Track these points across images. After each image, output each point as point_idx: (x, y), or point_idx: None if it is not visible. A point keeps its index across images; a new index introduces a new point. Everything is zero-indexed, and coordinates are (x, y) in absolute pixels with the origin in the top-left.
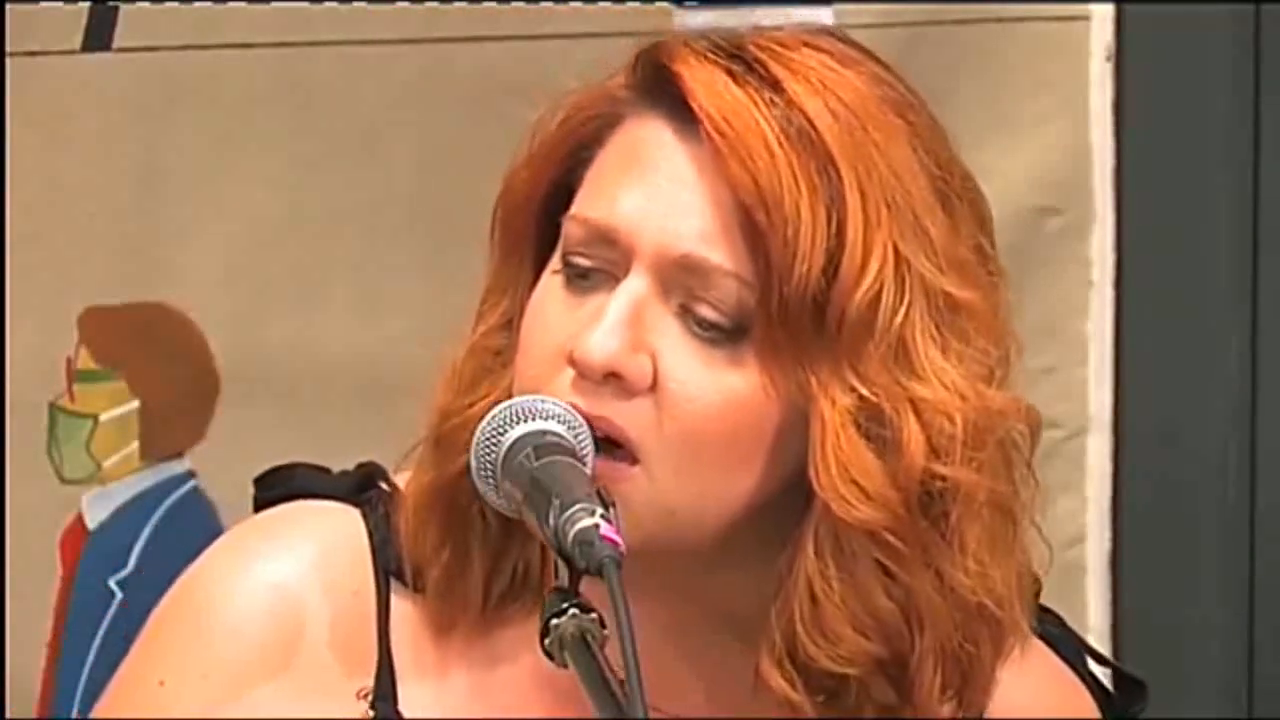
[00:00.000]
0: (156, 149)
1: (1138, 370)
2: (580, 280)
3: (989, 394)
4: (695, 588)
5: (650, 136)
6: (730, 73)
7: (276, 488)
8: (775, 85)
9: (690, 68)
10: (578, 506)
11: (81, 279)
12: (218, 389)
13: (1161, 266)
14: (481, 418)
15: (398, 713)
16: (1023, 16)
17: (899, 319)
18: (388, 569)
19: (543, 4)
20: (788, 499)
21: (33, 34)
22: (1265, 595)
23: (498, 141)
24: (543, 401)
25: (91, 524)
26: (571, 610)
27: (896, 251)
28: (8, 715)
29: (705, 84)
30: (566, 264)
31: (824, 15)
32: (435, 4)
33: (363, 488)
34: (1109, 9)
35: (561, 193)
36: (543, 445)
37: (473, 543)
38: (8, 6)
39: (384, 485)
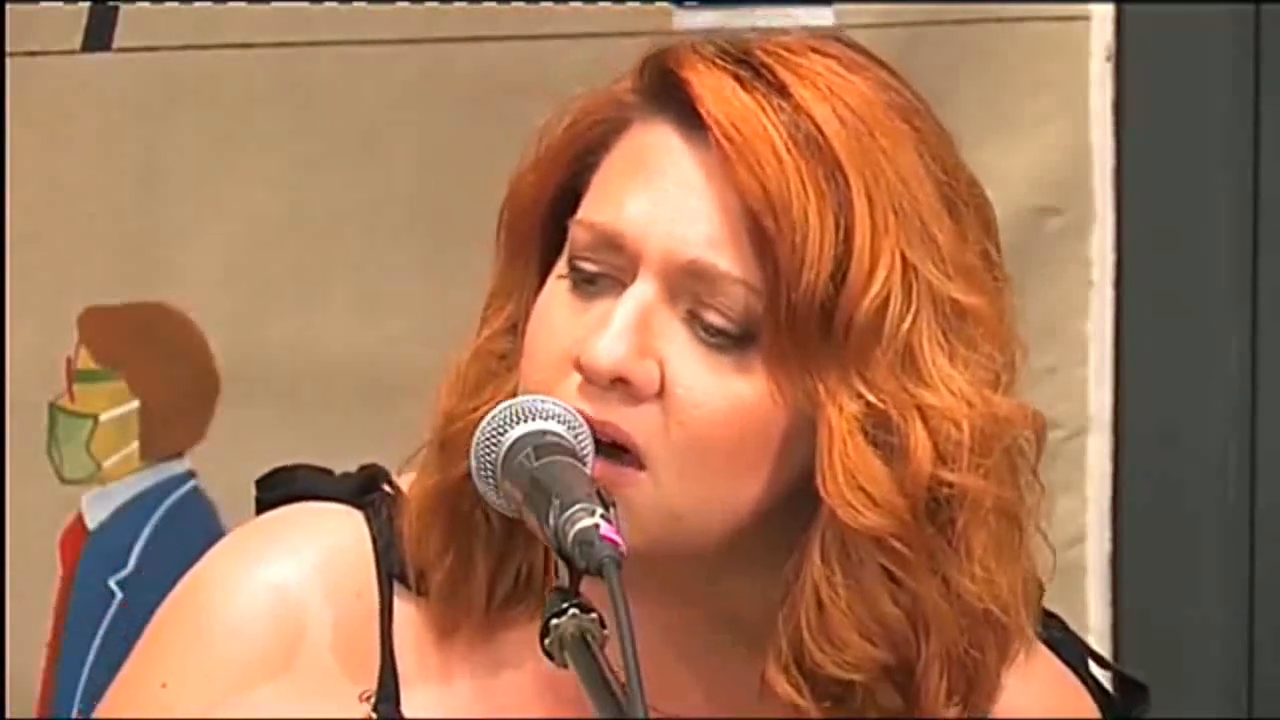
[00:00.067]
0: (156, 149)
1: (1138, 370)
2: (586, 285)
3: (996, 400)
4: (699, 592)
5: (657, 141)
6: (738, 78)
7: (278, 489)
8: (783, 90)
9: (698, 73)
10: (578, 506)
11: (81, 279)
12: (218, 389)
13: (1161, 266)
14: None
15: (400, 715)
16: (1023, 16)
17: (906, 325)
18: (391, 572)
19: (543, 4)
20: (794, 505)
21: (33, 34)
22: (1265, 595)
23: (498, 141)
24: (543, 401)
25: (91, 524)
26: (571, 610)
27: (904, 258)
28: (8, 715)
29: (713, 89)
30: (573, 269)
31: (824, 15)
32: (435, 4)
33: (365, 490)
34: (1109, 9)
35: (568, 197)
36: (543, 445)
37: (476, 546)
38: (8, 6)
39: (386, 488)
